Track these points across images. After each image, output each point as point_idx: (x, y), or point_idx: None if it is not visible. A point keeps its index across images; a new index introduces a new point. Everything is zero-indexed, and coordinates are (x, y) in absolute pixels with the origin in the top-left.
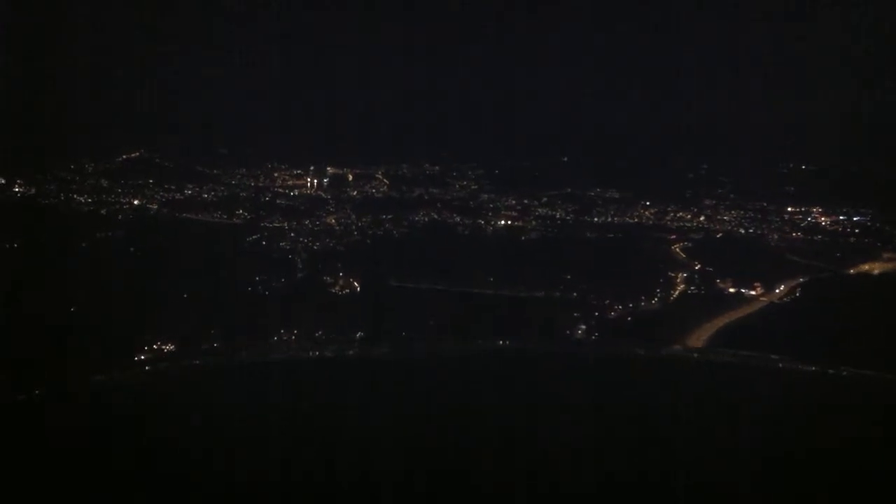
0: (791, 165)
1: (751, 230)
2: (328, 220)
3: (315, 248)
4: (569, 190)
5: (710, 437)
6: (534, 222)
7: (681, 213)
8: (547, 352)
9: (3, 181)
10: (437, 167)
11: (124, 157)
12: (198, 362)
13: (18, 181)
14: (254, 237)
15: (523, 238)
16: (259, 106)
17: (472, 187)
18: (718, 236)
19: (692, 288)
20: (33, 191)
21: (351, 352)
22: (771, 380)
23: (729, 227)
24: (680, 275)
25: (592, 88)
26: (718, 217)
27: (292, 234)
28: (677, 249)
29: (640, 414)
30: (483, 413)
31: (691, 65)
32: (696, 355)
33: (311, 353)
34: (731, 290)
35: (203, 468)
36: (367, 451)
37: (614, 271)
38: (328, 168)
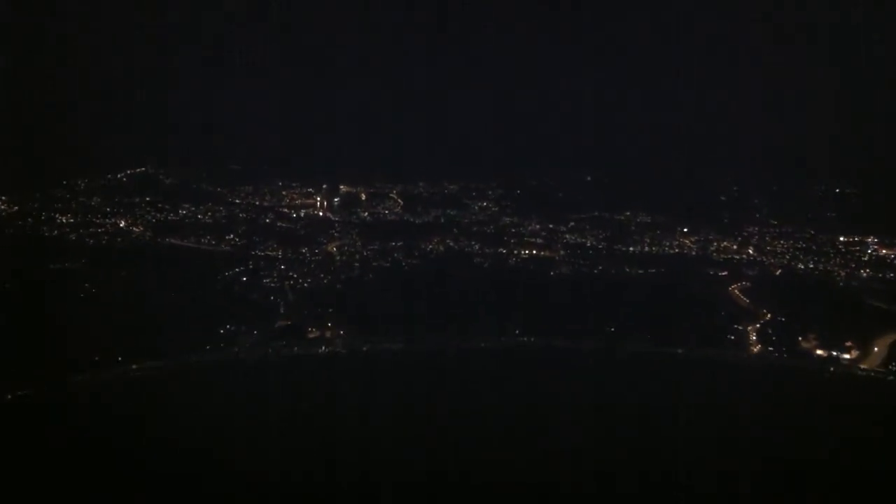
0: (824, 187)
1: (810, 265)
2: (329, 248)
3: (306, 285)
4: (596, 213)
5: (711, 436)
6: (562, 252)
7: (725, 243)
8: (547, 351)
9: None
10: (454, 186)
11: (128, 172)
12: (198, 359)
13: (3, 198)
14: (237, 270)
15: (552, 273)
16: (277, 122)
17: (493, 209)
18: (777, 273)
19: (770, 349)
20: (16, 209)
21: (365, 347)
22: (772, 379)
23: (785, 261)
24: (750, 329)
25: (610, 103)
26: (768, 248)
27: (282, 267)
28: (736, 292)
29: (640, 414)
30: (484, 412)
31: (712, 77)
32: (696, 355)
33: (321, 349)
34: (820, 352)
35: (203, 466)
36: (368, 448)
37: (668, 323)
38: (341, 186)
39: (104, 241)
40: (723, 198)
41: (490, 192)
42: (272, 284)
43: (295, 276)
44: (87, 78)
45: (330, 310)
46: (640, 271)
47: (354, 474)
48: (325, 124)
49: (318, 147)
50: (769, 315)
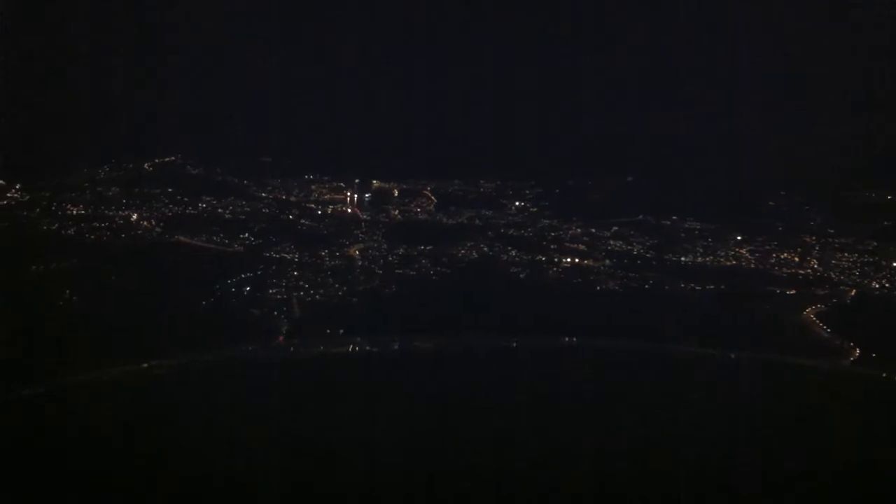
0: (874, 194)
1: (885, 284)
2: (351, 251)
3: (317, 297)
4: (640, 216)
5: (711, 436)
6: (607, 261)
7: (785, 255)
8: (546, 351)
9: (1, 183)
10: (490, 184)
11: (156, 161)
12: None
13: (17, 186)
14: (242, 276)
15: (599, 288)
16: (314, 113)
17: (531, 210)
18: (853, 294)
19: None
20: (27, 198)
21: (396, 346)
22: (772, 378)
23: (855, 279)
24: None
25: (644, 104)
26: (832, 261)
27: (295, 273)
28: (812, 317)
29: (640, 413)
30: (483, 412)
31: (747, 76)
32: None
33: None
34: None
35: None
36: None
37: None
38: (373, 182)
39: (105, 238)
40: (771, 203)
41: (527, 192)
42: (279, 296)
43: (306, 285)
44: (121, 63)
45: (341, 330)
46: (697, 287)
47: (362, 475)
48: (361, 117)
49: (353, 140)
50: (857, 351)
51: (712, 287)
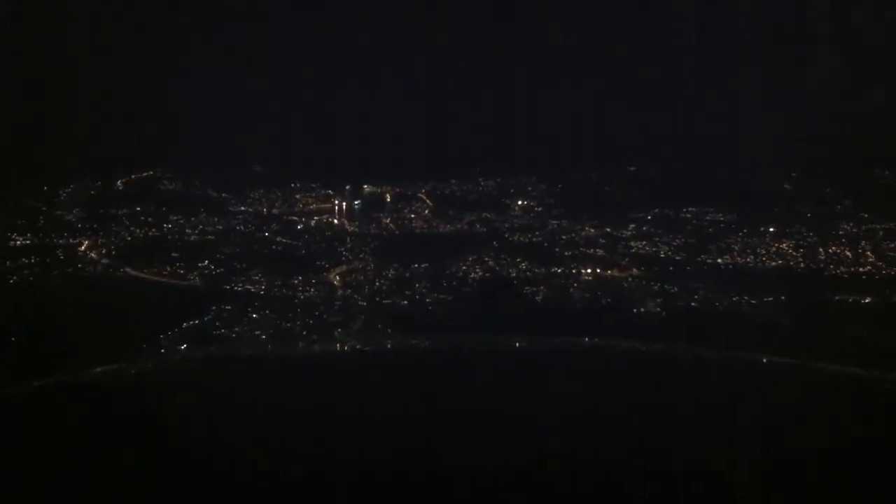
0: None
1: None
2: (331, 277)
3: (276, 352)
4: (656, 210)
5: (711, 436)
6: (634, 270)
7: (832, 248)
8: (546, 351)
9: None
10: (490, 182)
11: (132, 176)
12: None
13: None
14: (184, 325)
15: (635, 311)
16: (306, 119)
17: (537, 209)
18: None
19: None
20: None
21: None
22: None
23: None
24: None
25: (634, 90)
26: (889, 254)
27: (254, 316)
28: None
29: (640, 413)
30: (483, 412)
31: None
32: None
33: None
34: None
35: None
36: (369, 449)
37: None
38: (365, 186)
39: (31, 280)
40: (787, 186)
41: (530, 189)
42: (222, 352)
43: (263, 336)
44: (108, 72)
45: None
46: (752, 301)
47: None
48: (354, 120)
49: (345, 144)
50: None
51: (771, 299)
